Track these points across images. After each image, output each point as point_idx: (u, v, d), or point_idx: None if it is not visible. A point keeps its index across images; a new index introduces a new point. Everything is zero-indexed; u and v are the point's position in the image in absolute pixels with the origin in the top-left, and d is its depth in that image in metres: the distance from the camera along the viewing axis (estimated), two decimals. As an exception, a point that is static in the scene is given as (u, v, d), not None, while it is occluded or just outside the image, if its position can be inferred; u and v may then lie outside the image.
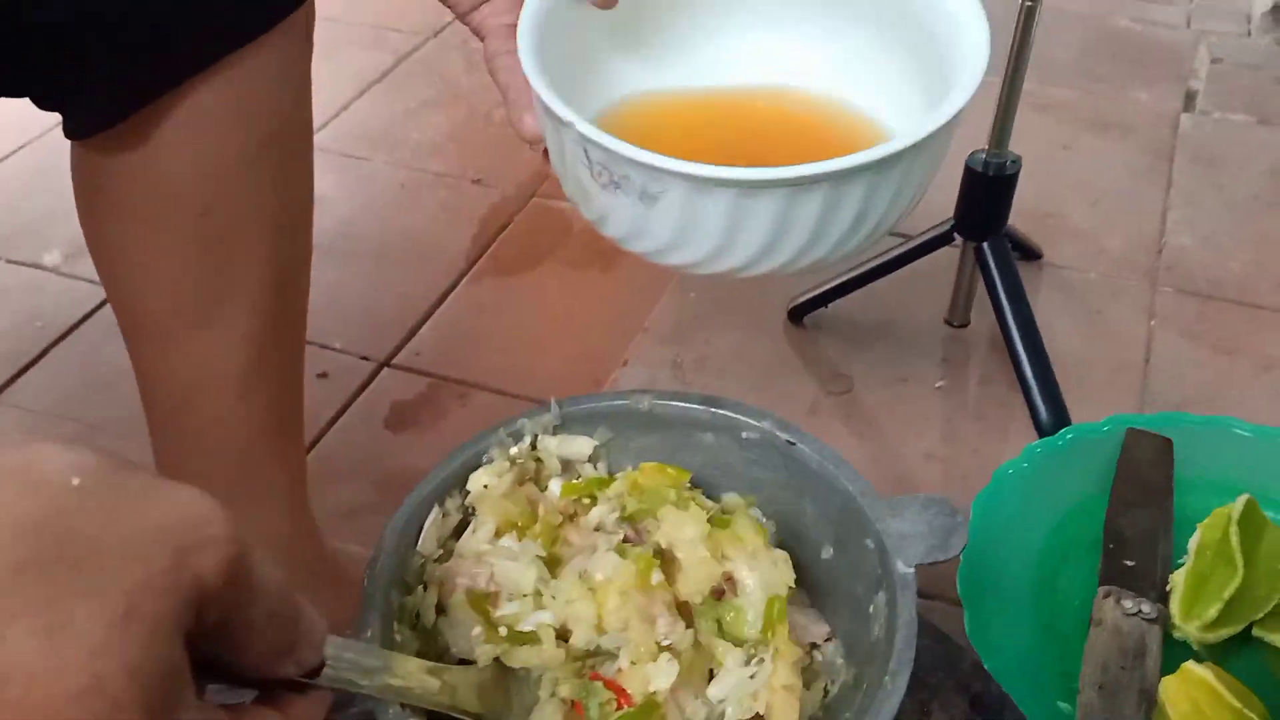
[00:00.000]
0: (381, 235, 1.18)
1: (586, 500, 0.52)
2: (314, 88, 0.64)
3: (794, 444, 0.51)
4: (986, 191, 0.84)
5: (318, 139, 1.38)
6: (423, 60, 1.47)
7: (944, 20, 0.45)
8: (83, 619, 0.25)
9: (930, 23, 0.46)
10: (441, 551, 0.49)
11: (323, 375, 1.00)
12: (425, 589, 0.47)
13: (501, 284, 1.11)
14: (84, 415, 0.96)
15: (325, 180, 1.32)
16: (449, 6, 0.49)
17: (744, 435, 0.53)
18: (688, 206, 0.41)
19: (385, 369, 1.02)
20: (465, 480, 0.50)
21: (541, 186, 1.22)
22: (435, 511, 0.48)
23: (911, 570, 0.46)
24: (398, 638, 0.44)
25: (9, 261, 1.13)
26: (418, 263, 1.14)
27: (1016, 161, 0.84)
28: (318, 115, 0.67)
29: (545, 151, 0.48)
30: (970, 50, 0.44)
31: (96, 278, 0.64)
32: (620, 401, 0.53)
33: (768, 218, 0.41)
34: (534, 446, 0.52)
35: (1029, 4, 0.75)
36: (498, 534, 0.49)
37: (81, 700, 0.24)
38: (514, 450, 0.52)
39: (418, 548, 0.48)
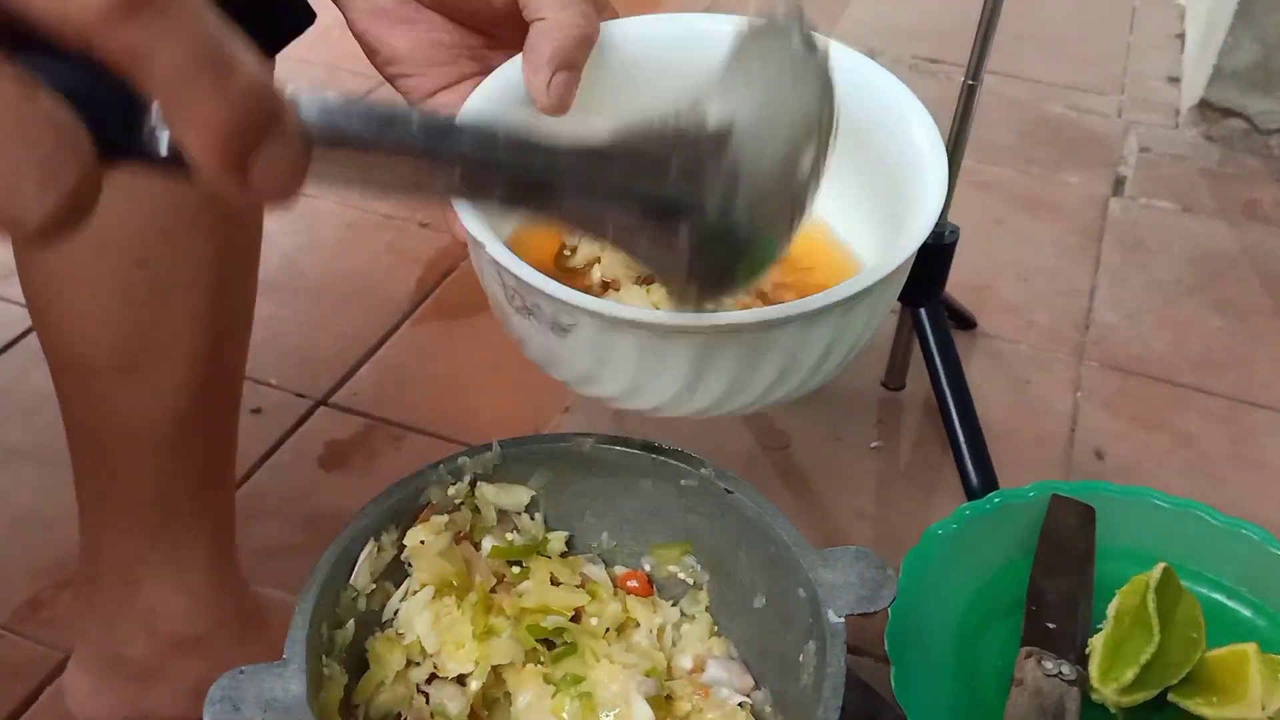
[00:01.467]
0: (325, 274, 1.17)
1: (516, 569, 0.52)
2: None
3: (731, 492, 0.52)
4: (925, 260, 0.87)
5: (267, 175, 1.36)
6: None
7: (908, 161, 0.44)
8: None
9: (893, 159, 0.45)
10: (375, 586, 0.48)
11: (256, 411, 0.99)
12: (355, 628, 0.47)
13: (444, 328, 1.11)
14: (4, 439, 0.94)
15: (271, 216, 1.31)
16: (400, 93, 0.47)
17: (683, 482, 0.53)
18: (598, 342, 0.39)
19: (321, 407, 1.00)
20: (402, 516, 0.50)
21: (489, 233, 1.23)
22: (370, 545, 0.48)
23: (842, 620, 0.47)
24: (325, 671, 0.44)
25: (-64, 281, 1.10)
26: (360, 303, 1.13)
27: (955, 231, 0.86)
28: None
29: None
30: (924, 209, 0.42)
31: (25, 302, 0.63)
32: (562, 444, 0.53)
33: (684, 362, 0.39)
34: (473, 487, 0.52)
35: (970, 83, 0.78)
36: (435, 596, 0.50)
37: None
38: (451, 490, 0.51)
39: (350, 581, 0.47)
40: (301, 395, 1.01)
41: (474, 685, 0.48)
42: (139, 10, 0.21)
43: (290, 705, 0.39)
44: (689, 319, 0.37)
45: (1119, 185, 1.35)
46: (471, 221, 0.39)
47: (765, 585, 0.52)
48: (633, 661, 0.50)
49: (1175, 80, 1.59)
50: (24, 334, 1.04)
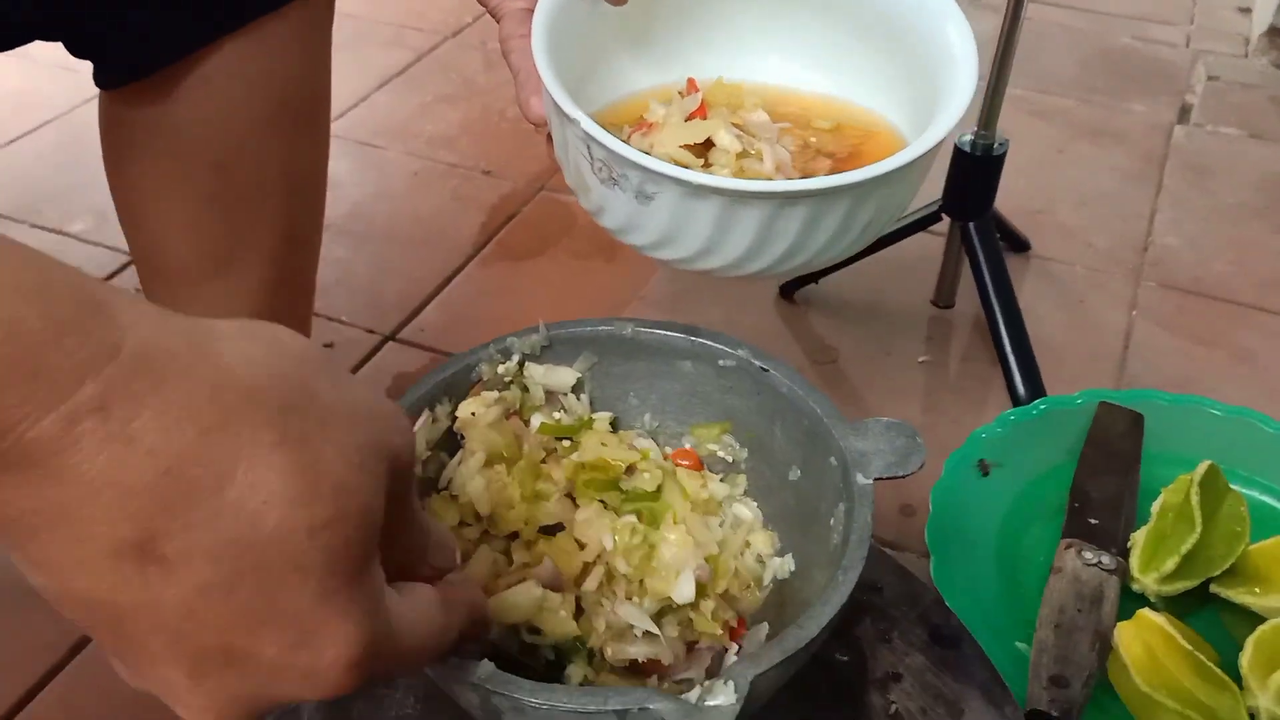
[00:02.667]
0: (392, 219, 1.22)
1: (566, 442, 0.55)
2: (335, 79, 0.68)
3: (767, 370, 0.54)
4: (974, 172, 0.87)
5: (336, 127, 1.43)
6: (441, 58, 1.52)
7: (938, 48, 0.49)
8: (329, 461, 0.26)
9: (925, 47, 0.50)
10: (430, 453, 0.52)
11: (329, 345, 1.03)
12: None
13: (507, 269, 1.14)
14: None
15: (341, 165, 1.37)
16: None
17: (721, 363, 0.55)
18: (679, 208, 0.44)
19: (390, 343, 1.05)
20: (455, 389, 0.53)
21: (550, 180, 1.26)
22: (425, 415, 0.51)
23: (870, 482, 0.49)
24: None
25: (34, 226, 1.17)
26: (426, 246, 1.17)
27: (1004, 143, 0.86)
28: (338, 105, 0.71)
29: (549, 136, 0.51)
30: (960, 79, 0.47)
31: (117, 244, 0.68)
32: (604, 328, 0.56)
33: (753, 225, 0.44)
34: (521, 368, 0.55)
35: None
36: (487, 464, 0.52)
37: (322, 532, 0.26)
38: (501, 368, 0.54)
39: (407, 446, 0.51)
40: (371, 331, 1.05)
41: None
42: None
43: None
44: (764, 185, 0.42)
45: (1184, 113, 1.33)
46: (564, 100, 0.43)
47: (800, 458, 0.53)
48: (704, 539, 0.52)
49: (1246, 11, 1.56)
50: (114, 273, 1.10)
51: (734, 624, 0.52)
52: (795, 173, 0.50)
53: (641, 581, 0.49)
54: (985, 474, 0.64)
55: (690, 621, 0.50)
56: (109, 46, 0.58)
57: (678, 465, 0.56)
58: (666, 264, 0.49)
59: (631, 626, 0.49)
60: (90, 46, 0.58)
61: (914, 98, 0.51)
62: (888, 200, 0.46)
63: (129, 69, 0.59)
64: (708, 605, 0.51)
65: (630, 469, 0.53)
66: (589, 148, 0.44)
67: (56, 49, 0.58)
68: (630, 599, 0.50)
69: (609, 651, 0.49)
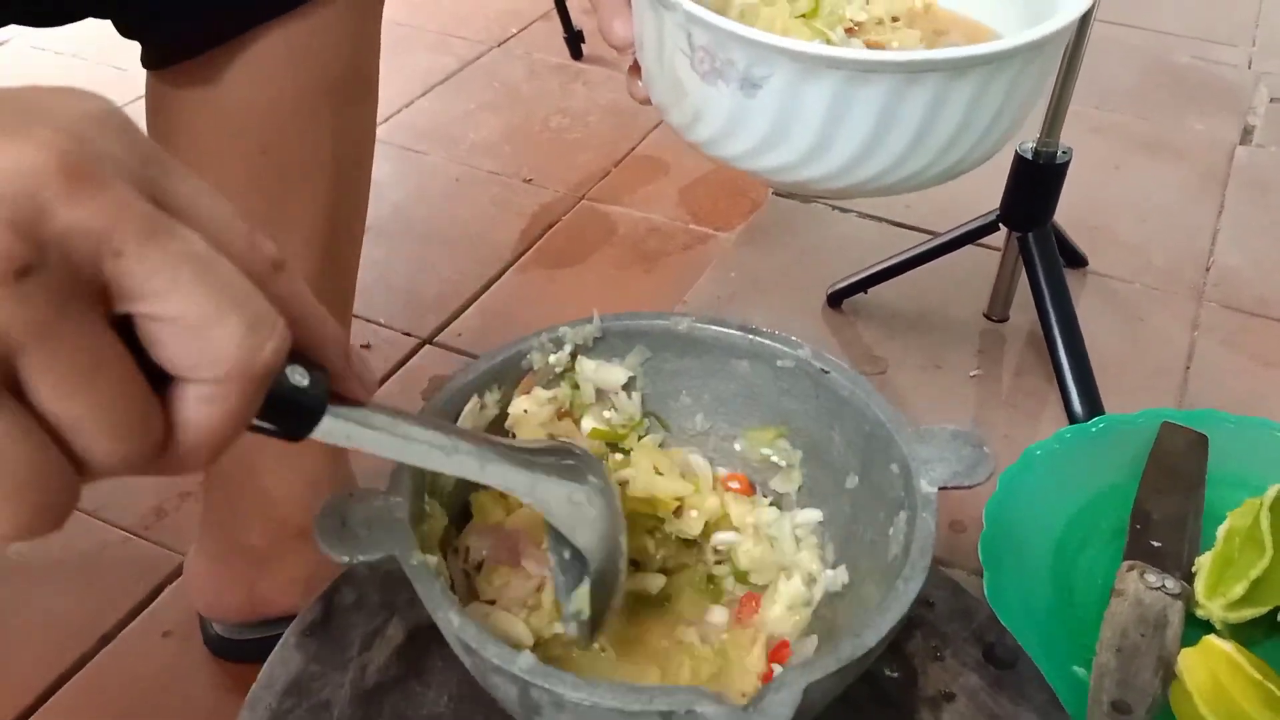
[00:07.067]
0: (433, 223, 1.21)
1: (617, 456, 0.53)
2: (380, 84, 0.67)
3: (827, 372, 0.52)
4: (1036, 180, 0.85)
5: (380, 131, 1.43)
6: (485, 66, 1.51)
7: None
8: None
9: None
10: (475, 442, 0.50)
11: (366, 346, 1.02)
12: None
13: (546, 276, 1.13)
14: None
15: (383, 169, 1.35)
16: None
17: (779, 363, 0.53)
18: (790, 93, 0.40)
19: (427, 346, 1.04)
20: (505, 377, 0.51)
21: (591, 189, 1.24)
22: (474, 401, 0.49)
23: (934, 490, 0.46)
24: (427, 508, 0.46)
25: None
26: (466, 250, 1.16)
27: (1067, 152, 0.84)
28: (382, 110, 0.69)
29: (632, 67, 0.48)
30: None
31: None
32: (659, 321, 0.54)
33: (872, 110, 0.40)
34: (573, 359, 0.54)
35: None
36: None
37: None
38: (552, 358, 0.53)
39: (453, 433, 0.49)
40: (408, 334, 1.04)
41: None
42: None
43: (393, 526, 0.41)
44: (888, 55, 0.39)
45: (1247, 134, 1.30)
46: None
47: (858, 464, 0.51)
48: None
49: (1311, 32, 1.52)
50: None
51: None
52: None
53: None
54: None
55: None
56: (157, 26, 0.58)
57: (728, 490, 0.55)
58: (765, 176, 0.46)
59: None
60: (139, 26, 0.58)
61: (1024, 14, 0.48)
62: (1013, 90, 0.42)
63: (173, 51, 0.59)
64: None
65: (679, 509, 0.51)
66: (689, 35, 0.41)
67: (106, 45, 0.57)
68: None
69: None
